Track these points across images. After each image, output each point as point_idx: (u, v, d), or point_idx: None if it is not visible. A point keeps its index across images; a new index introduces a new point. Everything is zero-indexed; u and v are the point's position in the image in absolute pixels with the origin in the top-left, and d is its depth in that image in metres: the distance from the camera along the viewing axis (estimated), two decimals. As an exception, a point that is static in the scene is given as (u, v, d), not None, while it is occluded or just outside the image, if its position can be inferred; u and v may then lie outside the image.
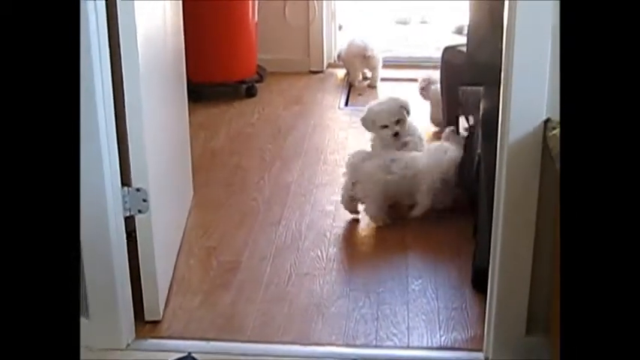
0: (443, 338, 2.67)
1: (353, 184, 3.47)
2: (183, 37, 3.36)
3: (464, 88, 3.64)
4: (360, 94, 5.26)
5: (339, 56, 5.52)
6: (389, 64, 5.74)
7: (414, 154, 3.60)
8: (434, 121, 4.47)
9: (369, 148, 3.77)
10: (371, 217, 3.46)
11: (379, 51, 5.41)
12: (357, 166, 3.47)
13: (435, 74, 4.40)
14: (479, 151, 3.08)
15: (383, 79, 5.37)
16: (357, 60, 5.35)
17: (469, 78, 3.51)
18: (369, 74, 5.43)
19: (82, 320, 2.49)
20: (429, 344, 2.64)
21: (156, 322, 2.71)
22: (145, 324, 2.69)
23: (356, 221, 3.50)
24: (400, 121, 3.71)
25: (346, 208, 3.53)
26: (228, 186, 3.81)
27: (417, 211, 3.48)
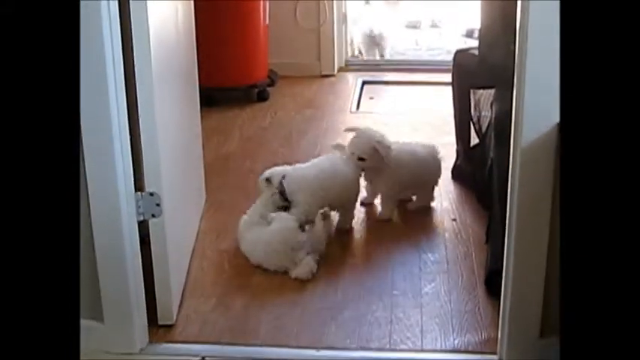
0: (456, 341, 2.66)
1: None
2: (195, 41, 3.37)
3: (476, 91, 3.64)
4: (371, 98, 5.27)
5: None
6: (399, 67, 5.76)
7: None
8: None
9: None
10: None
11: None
12: None
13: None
14: (492, 154, 3.08)
15: (394, 83, 5.36)
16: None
17: (481, 81, 3.50)
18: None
19: (97, 324, 2.51)
20: (443, 347, 2.64)
21: (169, 326, 2.71)
22: (158, 328, 2.69)
23: (369, 224, 3.50)
24: None
25: None
26: (241, 190, 3.80)
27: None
